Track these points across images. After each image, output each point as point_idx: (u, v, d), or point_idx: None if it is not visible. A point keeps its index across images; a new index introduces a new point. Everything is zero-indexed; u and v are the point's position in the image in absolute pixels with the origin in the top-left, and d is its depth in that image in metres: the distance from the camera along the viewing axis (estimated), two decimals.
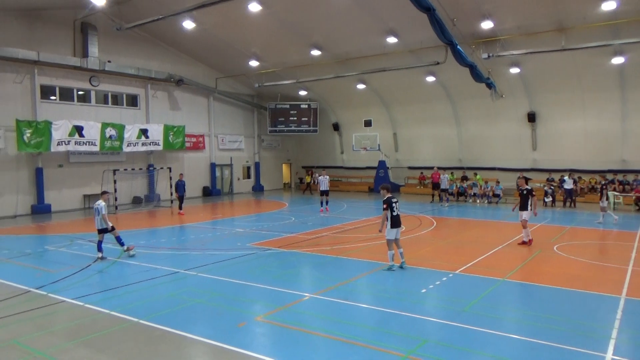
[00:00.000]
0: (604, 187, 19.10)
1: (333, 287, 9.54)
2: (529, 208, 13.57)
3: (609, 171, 26.24)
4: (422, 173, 32.69)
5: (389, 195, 10.85)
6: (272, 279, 10.15)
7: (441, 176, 26.18)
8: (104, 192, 13.05)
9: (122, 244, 12.57)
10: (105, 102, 26.57)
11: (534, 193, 13.73)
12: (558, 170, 27.51)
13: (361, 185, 35.52)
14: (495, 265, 11.28)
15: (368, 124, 32.95)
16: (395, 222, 10.67)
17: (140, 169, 27.49)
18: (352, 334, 7.02)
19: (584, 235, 15.88)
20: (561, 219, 19.83)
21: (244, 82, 33.41)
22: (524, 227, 13.64)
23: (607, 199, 18.73)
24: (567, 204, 24.22)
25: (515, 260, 11.78)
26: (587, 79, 25.05)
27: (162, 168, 27.61)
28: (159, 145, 27.45)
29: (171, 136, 28.24)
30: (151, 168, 28.00)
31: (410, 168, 33.83)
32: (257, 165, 36.28)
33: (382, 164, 33.10)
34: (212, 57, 30.30)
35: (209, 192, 31.92)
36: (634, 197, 23.28)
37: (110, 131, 25.03)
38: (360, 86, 30.91)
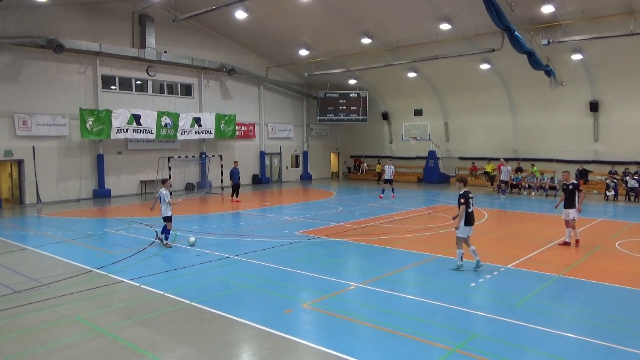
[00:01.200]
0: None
1: (380, 277, 9.51)
2: (576, 206, 12.16)
3: None
4: (473, 163, 31.78)
5: (466, 189, 9.86)
6: (319, 267, 10.25)
7: (502, 167, 24.88)
8: (165, 180, 13.23)
9: (166, 237, 12.39)
10: (161, 91, 27.54)
11: (581, 188, 12.35)
12: (621, 163, 25.92)
13: (410, 175, 35.01)
14: (551, 261, 10.84)
15: (418, 113, 32.36)
16: (471, 220, 9.79)
17: (193, 156, 28.38)
18: (398, 325, 6.99)
19: None
20: (624, 214, 18.75)
21: (294, 71, 33.62)
22: (572, 227, 12.19)
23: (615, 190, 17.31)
24: (631, 198, 22.86)
25: (573, 256, 11.27)
26: None
27: (213, 156, 28.37)
28: (211, 133, 28.20)
29: (222, 125, 28.92)
30: (203, 156, 28.84)
31: (461, 159, 32.97)
32: (305, 154, 36.54)
33: (432, 154, 32.46)
34: (263, 46, 30.65)
35: (259, 180, 32.52)
36: None
37: (165, 120, 25.95)
38: (411, 75, 30.35)
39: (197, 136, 27.73)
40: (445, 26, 23.39)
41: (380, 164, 33.88)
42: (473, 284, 9.03)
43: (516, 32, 20.50)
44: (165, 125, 25.96)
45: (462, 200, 9.55)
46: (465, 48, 25.12)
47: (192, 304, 7.92)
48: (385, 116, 36.37)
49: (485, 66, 27.19)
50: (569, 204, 12.23)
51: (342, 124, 37.17)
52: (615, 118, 26.25)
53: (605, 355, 6.04)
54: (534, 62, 22.80)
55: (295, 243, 12.76)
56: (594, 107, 26.55)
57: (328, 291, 8.61)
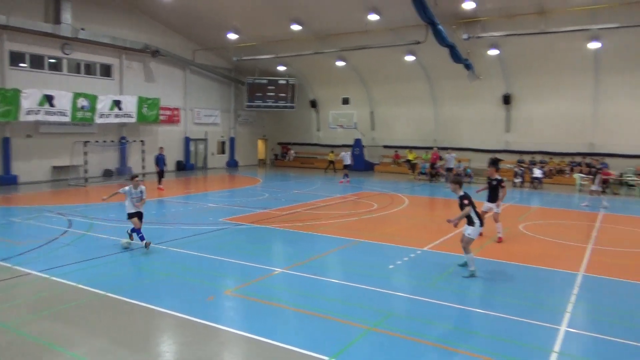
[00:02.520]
0: (598, 171, 19.09)
1: (303, 262, 9.66)
2: (497, 201, 11.95)
3: (578, 154, 26.98)
4: (396, 152, 32.94)
5: (464, 191, 9.06)
6: (243, 254, 10.21)
7: (447, 156, 25.72)
8: (134, 176, 11.23)
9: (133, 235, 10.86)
10: (78, 71, 25.78)
11: (503, 184, 12.06)
12: (530, 152, 28.11)
13: (336, 162, 35.44)
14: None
15: (346, 101, 32.93)
16: (482, 221, 9.13)
17: (112, 141, 26.95)
18: (319, 307, 7.16)
19: (550, 215, 16.38)
20: (528, 200, 20.37)
21: (222, 55, 32.80)
22: (497, 220, 12.00)
23: (601, 183, 18.64)
24: (535, 185, 24.86)
25: (482, 239, 12.08)
26: (563, 63, 25.43)
27: (134, 141, 27.12)
28: (132, 117, 26.88)
29: (145, 109, 27.67)
30: (123, 141, 27.48)
31: (385, 147, 34.04)
32: (232, 140, 35.95)
33: (357, 142, 33.22)
34: (190, 28, 29.58)
35: (183, 167, 31.58)
36: (599, 180, 23.93)
37: (82, 102, 24.36)
38: (340, 63, 30.71)
39: (117, 120, 26.31)
40: (373, 17, 23.84)
41: (333, 152, 33.94)
42: (391, 267, 9.43)
43: (439, 26, 21.33)
44: (82, 107, 24.38)
45: (467, 202, 8.88)
46: (391, 39, 25.80)
47: (108, 294, 7.60)
48: (313, 104, 36.60)
49: (410, 58, 28.12)
50: (492, 198, 12.10)
51: (270, 111, 36.91)
52: (525, 110, 28.30)
53: (509, 326, 6.59)
54: (455, 55, 23.88)
55: (219, 230, 12.60)
56: (507, 100, 28.43)
57: (252, 277, 8.61)
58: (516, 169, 25.88)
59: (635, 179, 23.77)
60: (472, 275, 8.76)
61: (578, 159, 26.95)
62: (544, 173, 25.73)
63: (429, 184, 25.74)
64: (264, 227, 13.10)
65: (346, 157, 26.47)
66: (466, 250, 8.91)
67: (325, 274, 8.96)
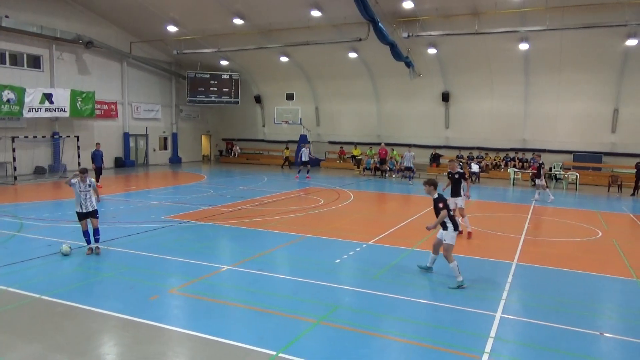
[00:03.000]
0: (542, 166, 19.57)
1: (250, 258, 9.59)
2: (462, 193, 11.93)
3: (511, 149, 28.52)
4: (341, 147, 33.34)
5: (438, 193, 8.58)
6: (188, 252, 9.98)
7: (406, 153, 25.45)
8: (83, 171, 9.90)
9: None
10: (3, 61, 24.05)
11: (466, 176, 12.05)
12: (467, 148, 29.37)
13: (282, 158, 35.45)
14: (406, 236, 11.92)
15: (290, 97, 32.85)
16: (456, 224, 8.54)
17: (44, 136, 25.40)
18: (266, 303, 7.14)
19: (486, 208, 17.20)
20: None
21: (162, 48, 31.73)
22: (462, 215, 11.90)
23: (545, 177, 19.11)
24: (473, 180, 26.00)
25: (425, 231, 12.46)
26: (496, 63, 26.70)
27: (68, 136, 25.72)
28: (65, 111, 25.43)
29: (79, 102, 26.27)
30: (56, 136, 25.98)
31: (330, 143, 34.36)
32: (174, 136, 34.94)
33: (303, 138, 33.27)
34: (127, 19, 28.37)
35: (122, 163, 30.33)
36: (530, 174, 25.44)
37: (7, 94, 22.76)
38: (284, 59, 30.60)
39: (48, 114, 24.81)
40: (316, 13, 23.93)
41: (288, 149, 33.65)
42: (338, 261, 9.57)
43: (380, 24, 21.78)
44: (8, 100, 22.79)
45: (442, 205, 8.33)
46: (334, 36, 26.02)
47: (42, 297, 7.20)
48: (257, 99, 36.27)
49: (353, 55, 28.49)
50: (455, 192, 11.91)
51: (213, 106, 36.21)
52: (463, 108, 29.50)
53: (449, 315, 6.89)
54: (396, 53, 24.49)
55: (162, 228, 12.24)
56: (445, 97, 29.50)
57: (197, 275, 8.45)
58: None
59: (563, 173, 25.43)
60: (460, 286, 7.98)
61: (512, 154, 28.48)
62: (481, 168, 26.97)
63: (374, 180, 26.25)
64: (209, 224, 12.87)
65: (305, 153, 26.38)
66: (448, 259, 8.22)
67: (272, 269, 8.94)
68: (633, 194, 22.11)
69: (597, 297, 7.98)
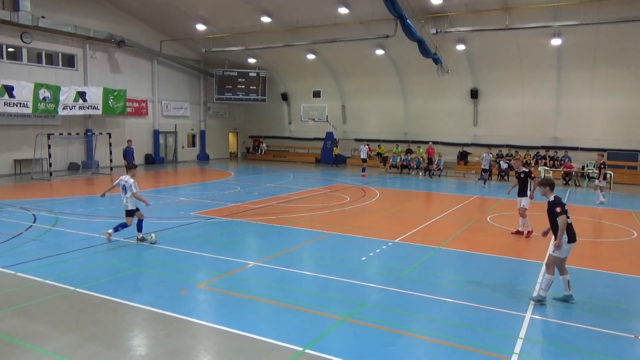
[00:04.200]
0: (602, 166, 18.18)
1: (277, 255, 9.68)
2: (528, 193, 11.77)
3: (542, 147, 27.83)
4: (368, 145, 33.14)
5: (553, 195, 7.46)
6: (215, 248, 10.15)
7: (485, 155, 23.46)
8: (132, 166, 10.98)
9: (140, 230, 10.48)
10: (39, 61, 24.88)
11: (533, 175, 11.93)
12: (496, 146, 28.79)
13: (308, 156, 35.68)
14: (433, 234, 11.82)
15: (317, 94, 32.91)
16: (573, 235, 7.35)
17: (77, 134, 26.17)
18: (293, 300, 7.21)
19: (515, 207, 16.83)
20: (496, 192, 20.89)
21: (191, 46, 32.23)
22: (523, 215, 11.76)
23: (605, 178, 17.96)
24: (503, 177, 25.54)
25: (452, 230, 12.38)
26: (527, 59, 26.10)
27: (101, 133, 26.44)
28: (97, 109, 26.14)
29: (111, 100, 26.95)
30: (89, 133, 26.73)
31: (357, 140, 34.26)
32: (202, 133, 35.46)
33: (329, 135, 33.32)
34: (157, 18, 28.94)
35: (152, 160, 30.98)
36: (562, 172, 24.83)
37: (44, 92, 23.52)
38: (310, 56, 30.66)
39: (81, 112, 25.54)
40: (343, 10, 23.89)
41: (336, 146, 33.60)
42: (364, 258, 9.56)
43: (408, 20, 21.61)
44: (44, 98, 23.54)
45: (559, 210, 7.14)
46: (361, 33, 25.93)
47: (77, 290, 7.44)
48: (284, 97, 36.46)
49: (380, 51, 28.32)
50: (522, 192, 11.85)
51: (240, 104, 36.58)
52: (492, 105, 28.97)
53: (476, 314, 6.80)
54: (424, 50, 24.24)
55: (191, 224, 12.47)
56: (474, 94, 29.01)
57: (225, 270, 8.58)
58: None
59: (596, 171, 24.65)
60: (540, 302, 7.19)
61: (542, 152, 27.81)
62: (510, 166, 26.41)
63: (400, 177, 26.08)
64: (236, 221, 13.03)
65: (363, 150, 27.46)
66: (548, 269, 7.32)
67: (298, 266, 9.00)
68: None
69: (633, 300, 7.74)
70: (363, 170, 26.75)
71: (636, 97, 25.16)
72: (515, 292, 7.78)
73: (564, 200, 7.36)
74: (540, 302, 7.20)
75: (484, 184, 22.39)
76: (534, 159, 27.72)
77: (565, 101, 26.87)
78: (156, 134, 31.49)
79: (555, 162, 26.42)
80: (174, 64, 32.36)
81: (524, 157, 28.25)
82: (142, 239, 10.34)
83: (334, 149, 33.04)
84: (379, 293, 7.66)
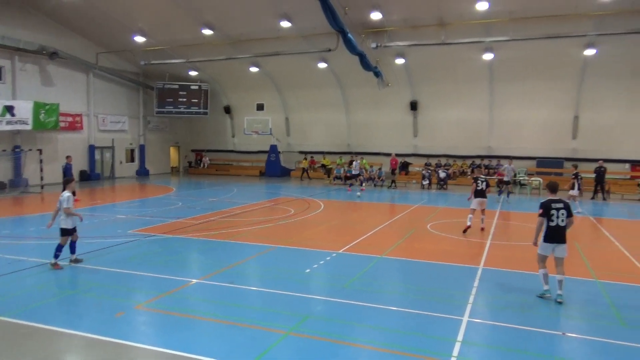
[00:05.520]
0: (574, 176, 18.26)
1: (219, 271, 9.51)
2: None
3: (477, 156, 29.20)
4: (312, 157, 33.46)
5: (551, 197, 8.17)
6: (155, 266, 9.82)
7: (507, 166, 23.22)
8: (69, 180, 10.04)
9: (73, 251, 9.86)
10: None
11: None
12: (435, 156, 29.94)
13: (252, 169, 35.47)
14: (375, 244, 12.05)
15: (260, 107, 32.93)
16: (551, 235, 7.93)
17: (4, 150, 24.60)
18: (236, 316, 7.10)
19: (454, 214, 17.54)
20: (435, 200, 21.67)
21: (129, 58, 31.28)
22: (471, 213, 13.62)
23: (579, 188, 18.25)
24: (441, 186, 26.50)
25: (393, 239, 12.68)
26: (462, 72, 27.40)
27: (30, 150, 24.99)
28: (27, 124, 24.66)
29: (42, 115, 25.54)
30: (18, 150, 25.19)
31: (301, 152, 34.46)
32: (142, 147, 34.35)
33: (273, 148, 33.30)
34: (93, 29, 27.88)
35: (88, 177, 29.60)
36: (496, 180, 26.09)
37: None
38: (254, 69, 30.62)
39: (9, 127, 24.01)
40: (285, 23, 24.08)
41: (307, 159, 33.27)
42: (308, 270, 9.58)
43: (349, 35, 22.08)
44: None
45: (539, 211, 8.01)
46: (304, 46, 26.23)
47: (2, 318, 6.95)
48: (227, 110, 36.10)
49: (322, 65, 28.74)
50: (480, 194, 13.85)
51: (182, 117, 35.82)
52: (430, 116, 30.11)
53: (416, 320, 6.99)
54: (365, 63, 24.83)
55: (128, 242, 12.00)
56: (413, 106, 30.04)
57: (165, 290, 8.32)
58: (424, 172, 27.40)
59: (527, 178, 26.17)
60: (542, 295, 7.95)
61: (478, 161, 29.17)
62: (448, 175, 27.51)
63: (344, 189, 26.43)
64: (177, 237, 12.69)
65: (356, 166, 26.10)
66: (538, 265, 8.17)
67: (242, 281, 8.88)
68: (593, 198, 22.95)
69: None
70: (360, 184, 25.42)
71: (561, 108, 27.03)
72: (453, 297, 8.07)
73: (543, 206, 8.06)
74: (543, 295, 7.95)
75: (507, 196, 22.52)
76: (470, 168, 29.00)
77: (497, 112, 28.39)
78: (92, 149, 30.16)
79: (490, 170, 27.76)
80: (111, 77, 31.24)
81: (461, 166, 29.51)
82: (76, 261, 9.84)
83: (303, 161, 32.64)
84: (323, 305, 7.69)
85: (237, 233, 13.30)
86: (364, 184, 25.41)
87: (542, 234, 8.02)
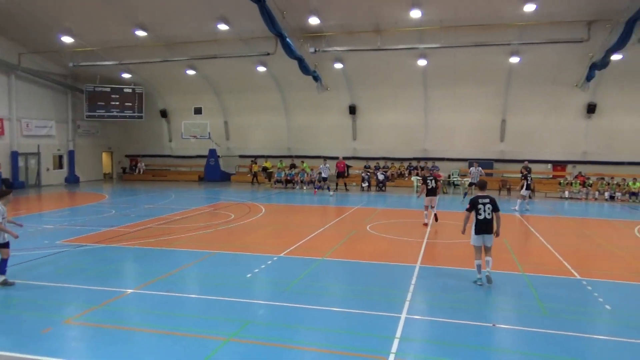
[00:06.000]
0: (524, 177, 19.67)
1: (156, 279, 9.19)
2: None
3: (414, 159, 30.20)
4: (252, 161, 33.16)
5: (480, 193, 9.18)
6: (86, 278, 9.32)
7: (473, 169, 23.10)
8: (5, 192, 9.41)
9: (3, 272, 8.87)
10: None
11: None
12: (374, 158, 30.61)
13: (191, 174, 34.64)
14: (317, 247, 12.13)
15: (198, 111, 32.20)
16: (479, 227, 8.92)
17: None
18: (175, 325, 6.89)
19: (392, 215, 18.03)
20: (375, 202, 22.16)
21: (56, 60, 29.55)
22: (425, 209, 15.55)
23: (528, 188, 19.46)
24: (380, 188, 27.15)
25: (334, 241, 12.83)
26: (398, 78, 28.21)
27: None
28: None
29: None
30: None
31: (241, 156, 34.10)
32: (71, 153, 32.54)
33: (212, 152, 32.69)
34: (15, 29, 26.07)
35: (10, 185, 27.61)
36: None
37: None
38: (190, 72, 29.91)
39: None
40: (223, 26, 23.73)
41: (256, 163, 32.22)
42: (249, 275, 9.48)
43: (287, 39, 22.17)
44: None
45: (468, 206, 9.01)
46: (243, 49, 25.99)
47: None
48: (163, 114, 35.02)
49: (261, 68, 28.58)
50: (431, 192, 15.36)
51: (115, 121, 34.28)
52: (369, 120, 30.78)
53: (357, 320, 7.11)
54: (303, 67, 25.01)
55: (57, 254, 11.32)
56: (352, 110, 30.58)
57: (97, 302, 7.91)
58: (363, 174, 27.95)
59: (460, 179, 27.38)
60: (475, 282, 8.93)
61: (414, 163, 30.16)
62: (387, 177, 28.24)
63: (285, 192, 26.41)
64: (110, 247, 12.12)
65: (324, 170, 26.00)
66: (474, 256, 9.11)
67: (180, 289, 8.64)
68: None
69: (490, 292, 8.67)
70: (328, 188, 25.79)
71: (490, 113, 28.54)
72: (391, 295, 8.28)
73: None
74: (475, 283, 8.98)
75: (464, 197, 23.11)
76: (407, 170, 29.94)
77: (432, 116, 29.51)
78: (15, 155, 28.19)
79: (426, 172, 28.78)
80: (35, 79, 29.37)
81: (399, 168, 30.38)
82: (5, 283, 8.85)
83: (253, 165, 31.91)
84: (264, 309, 7.64)
85: (175, 240, 12.92)
86: (332, 190, 25.55)
87: (472, 228, 8.99)
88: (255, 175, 31.62)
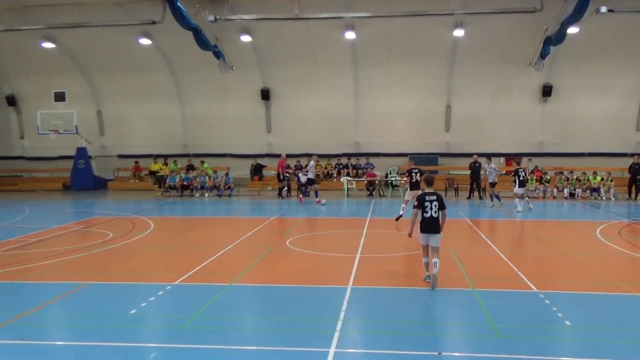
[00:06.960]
0: (514, 173, 21.08)
1: (4, 324, 8.67)
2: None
3: (343, 155, 30.90)
4: (137, 162, 32.23)
5: (427, 190, 10.44)
6: None
7: (488, 167, 23.68)
8: None
9: None
10: None
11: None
12: (294, 155, 30.93)
13: (52, 181, 33.24)
14: (223, 269, 12.05)
15: (60, 97, 30.74)
16: (424, 226, 10.18)
17: None
18: None
19: (318, 225, 18.33)
20: (295, 211, 22.36)
21: None
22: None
23: (521, 185, 20.83)
24: (303, 192, 27.45)
25: (245, 261, 12.80)
26: (321, 54, 28.81)
27: None
28: None
29: None
30: None
31: (121, 157, 33.09)
32: None
33: (81, 152, 31.37)
34: None
35: None
36: (365, 182, 27.86)
37: None
38: (48, 45, 28.61)
39: None
40: None
41: (157, 162, 30.79)
42: (133, 311, 9.20)
43: (178, 3, 21.84)
44: None
45: (416, 203, 10.31)
46: (118, 17, 25.30)
47: None
48: (11, 101, 33.22)
49: (145, 41, 27.94)
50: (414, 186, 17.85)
51: None
52: (286, 107, 31.14)
53: (274, 358, 7.16)
54: (201, 40, 24.76)
55: None
56: (265, 95, 30.80)
57: None
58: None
59: (399, 178, 28.37)
60: (425, 279, 10.40)
61: (344, 160, 30.83)
62: (310, 179, 28.57)
63: (181, 201, 25.92)
64: None
65: (312, 168, 25.12)
66: (423, 254, 10.54)
67: (38, 336, 8.21)
68: (469, 197, 25.74)
69: (435, 314, 9.07)
70: (316, 194, 24.74)
71: (432, 96, 29.90)
72: (318, 326, 8.42)
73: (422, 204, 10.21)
74: (425, 280, 10.31)
75: (497, 200, 23.29)
76: (336, 169, 30.54)
77: (363, 102, 30.38)
78: None
79: (358, 170, 29.53)
80: None
81: (325, 167, 30.93)
82: None
83: (153, 164, 30.95)
84: (154, 353, 7.47)
85: (31, 270, 12.26)
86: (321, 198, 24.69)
87: (417, 225, 10.26)
88: (155, 174, 30.74)
